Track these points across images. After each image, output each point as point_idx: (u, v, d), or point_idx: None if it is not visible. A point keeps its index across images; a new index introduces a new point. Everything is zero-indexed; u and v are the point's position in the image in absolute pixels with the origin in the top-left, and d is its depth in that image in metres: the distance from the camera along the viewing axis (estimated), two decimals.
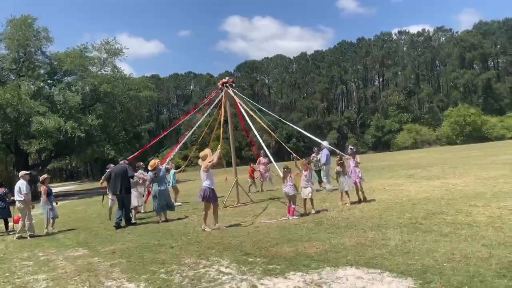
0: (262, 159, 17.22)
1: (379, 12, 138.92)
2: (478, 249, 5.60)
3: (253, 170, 17.69)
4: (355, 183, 10.86)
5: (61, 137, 26.97)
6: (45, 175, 11.85)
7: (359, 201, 10.82)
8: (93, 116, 28.98)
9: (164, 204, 11.29)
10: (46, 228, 11.18)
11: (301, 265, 5.68)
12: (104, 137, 31.54)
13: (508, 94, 78.33)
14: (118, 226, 10.75)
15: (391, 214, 8.83)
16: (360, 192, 11.03)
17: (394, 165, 25.55)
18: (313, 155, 15.57)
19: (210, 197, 9.00)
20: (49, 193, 11.44)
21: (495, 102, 77.96)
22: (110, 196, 12.41)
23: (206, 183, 9.03)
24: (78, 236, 10.23)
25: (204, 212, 9.13)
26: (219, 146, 10.46)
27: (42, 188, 11.34)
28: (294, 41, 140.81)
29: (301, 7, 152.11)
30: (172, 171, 15.87)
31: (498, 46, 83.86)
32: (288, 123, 13.96)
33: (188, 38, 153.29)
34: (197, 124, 15.35)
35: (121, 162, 12.02)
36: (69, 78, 32.26)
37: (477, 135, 64.66)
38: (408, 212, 8.80)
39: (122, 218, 11.01)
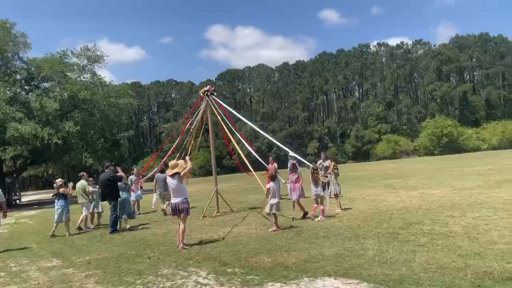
0: (270, 166, 15.58)
1: (360, 24, 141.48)
2: (454, 259, 5.68)
3: None
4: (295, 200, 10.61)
5: (37, 143, 26.38)
6: (60, 179, 12.14)
7: (293, 219, 10.44)
8: (71, 123, 28.46)
9: (131, 212, 11.92)
10: (68, 231, 11.53)
11: (279, 275, 5.65)
12: (82, 145, 30.99)
13: (483, 107, 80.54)
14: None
15: (370, 224, 8.91)
16: (297, 208, 10.60)
17: (373, 175, 25.88)
18: (320, 161, 13.61)
19: (188, 209, 8.74)
20: (66, 196, 11.67)
21: (471, 114, 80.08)
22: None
23: (183, 196, 8.44)
24: (53, 246, 9.95)
25: (184, 228, 8.41)
26: (187, 158, 10.13)
27: (64, 190, 11.62)
28: (276, 51, 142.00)
29: (283, 17, 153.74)
30: None
31: (474, 60, 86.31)
32: (243, 140, 13.96)
33: (170, 45, 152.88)
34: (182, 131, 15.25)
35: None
36: (46, 84, 31.70)
37: (453, 146, 66.16)
38: (386, 222, 8.89)
39: (118, 222, 11.43)
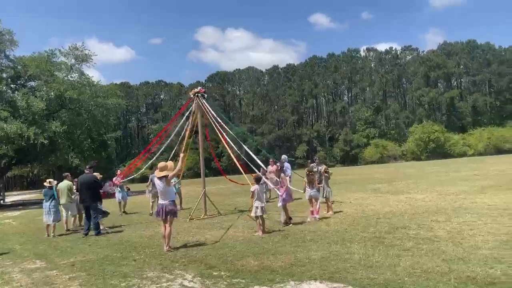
0: (270, 168, 15.38)
1: (350, 29, 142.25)
2: (438, 264, 5.73)
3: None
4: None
5: (23, 143, 26.00)
6: (52, 179, 12.34)
7: (286, 223, 10.28)
8: (57, 122, 28.11)
9: (103, 212, 11.83)
10: (53, 232, 11.46)
11: (265, 279, 5.65)
12: (68, 145, 30.61)
13: (470, 113, 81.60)
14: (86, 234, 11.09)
15: (356, 228, 8.96)
16: (284, 216, 10.36)
17: (361, 179, 26.01)
18: (313, 165, 12.74)
19: (175, 212, 8.69)
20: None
21: (458, 120, 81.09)
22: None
23: (170, 198, 8.42)
24: (37, 248, 9.81)
25: (170, 230, 8.34)
26: (181, 155, 10.07)
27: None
28: (267, 54, 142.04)
29: (274, 20, 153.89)
30: (175, 178, 15.60)
31: (461, 66, 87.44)
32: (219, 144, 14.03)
33: (160, 46, 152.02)
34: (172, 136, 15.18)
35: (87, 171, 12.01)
36: (33, 83, 31.27)
37: (440, 152, 66.88)
38: (373, 226, 8.95)
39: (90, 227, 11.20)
